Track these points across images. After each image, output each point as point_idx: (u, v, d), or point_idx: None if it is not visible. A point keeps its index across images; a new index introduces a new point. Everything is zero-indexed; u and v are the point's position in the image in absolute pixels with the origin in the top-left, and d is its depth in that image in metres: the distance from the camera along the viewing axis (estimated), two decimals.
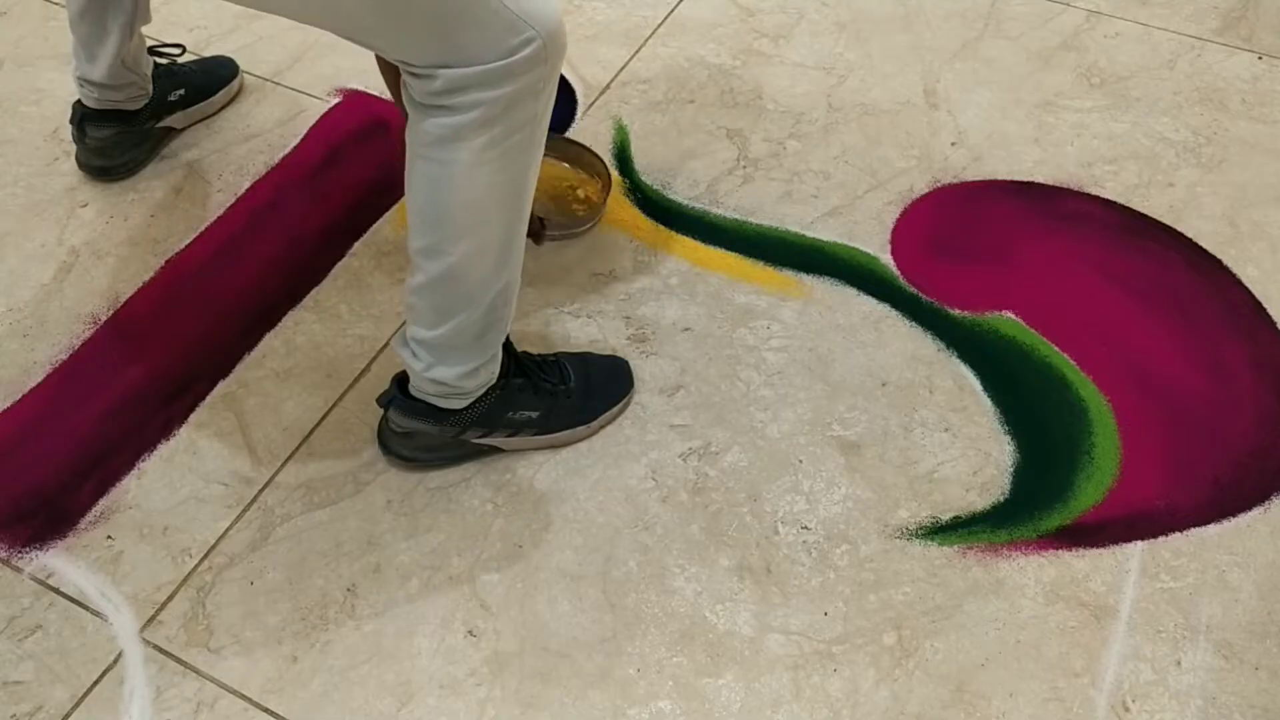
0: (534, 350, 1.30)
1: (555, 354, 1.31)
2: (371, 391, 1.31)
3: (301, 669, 1.12)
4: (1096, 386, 1.35)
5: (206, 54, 1.68)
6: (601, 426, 1.30)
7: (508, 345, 1.21)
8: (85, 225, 1.52)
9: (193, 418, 1.32)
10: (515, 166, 1.04)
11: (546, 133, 1.05)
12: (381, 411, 1.25)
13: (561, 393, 1.27)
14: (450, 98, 0.97)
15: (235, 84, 1.69)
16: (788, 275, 1.47)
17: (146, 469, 1.28)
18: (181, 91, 1.61)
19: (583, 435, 1.29)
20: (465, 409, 1.20)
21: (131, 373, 1.36)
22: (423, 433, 1.22)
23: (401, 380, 1.22)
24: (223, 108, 1.68)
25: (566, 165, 1.58)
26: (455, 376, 1.16)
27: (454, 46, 0.94)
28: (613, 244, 1.51)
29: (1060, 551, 1.21)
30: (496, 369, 1.20)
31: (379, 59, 1.13)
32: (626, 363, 1.35)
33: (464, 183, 1.02)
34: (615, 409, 1.31)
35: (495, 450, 1.27)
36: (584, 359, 1.33)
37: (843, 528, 1.23)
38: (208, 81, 1.66)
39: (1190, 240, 1.51)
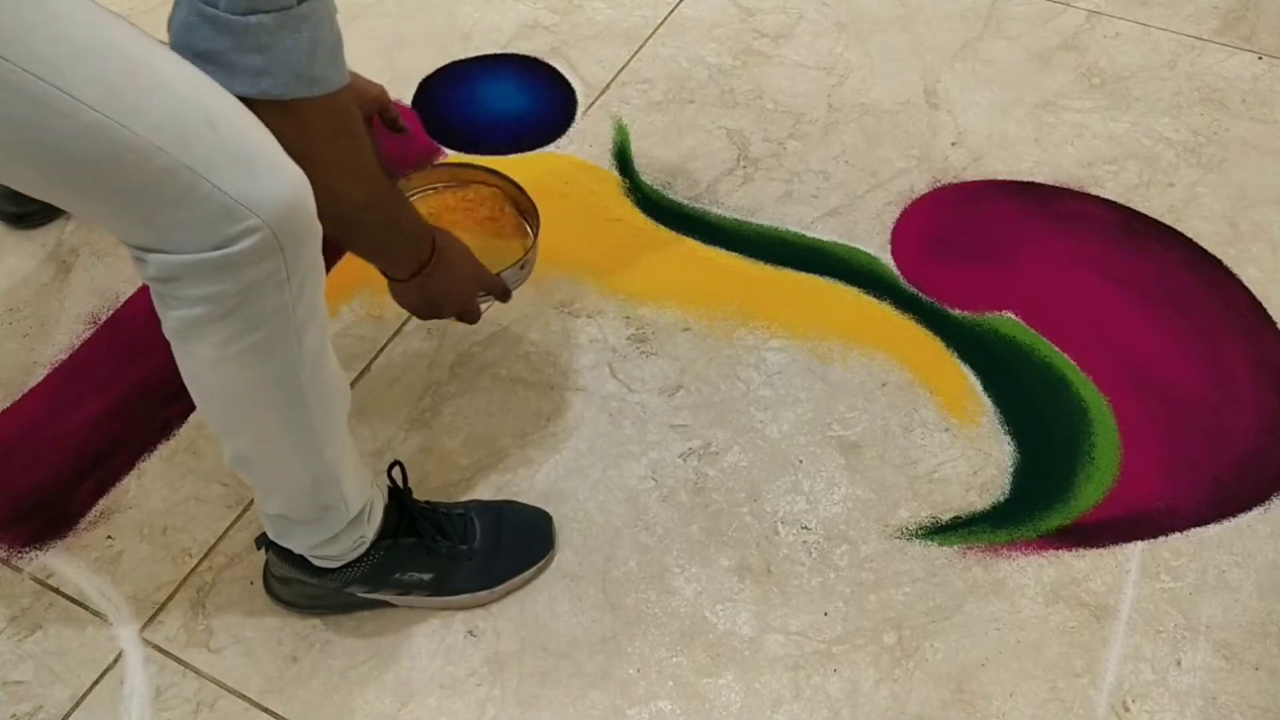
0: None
1: (466, 504, 1.18)
2: (373, 392, 1.31)
3: (301, 669, 1.12)
4: (1096, 386, 1.35)
5: None
6: (507, 593, 1.16)
7: (403, 500, 1.11)
8: (85, 225, 1.52)
9: (193, 418, 1.32)
10: (271, 363, 0.85)
11: (320, 311, 0.87)
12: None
13: (462, 554, 1.13)
14: (168, 287, 0.79)
15: None
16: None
17: (146, 469, 1.28)
18: None
19: (483, 600, 1.16)
20: (341, 569, 1.07)
21: (131, 372, 1.36)
22: (301, 581, 1.10)
23: None
24: None
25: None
26: (307, 549, 1.04)
27: (155, 229, 0.76)
28: (613, 244, 1.51)
29: (1060, 551, 1.21)
30: (366, 534, 1.06)
31: None
32: (550, 519, 1.20)
33: (214, 380, 0.86)
34: (525, 574, 1.17)
35: (385, 604, 1.15)
36: (500, 512, 1.18)
37: (843, 528, 1.23)
38: None
39: (1190, 240, 1.51)
